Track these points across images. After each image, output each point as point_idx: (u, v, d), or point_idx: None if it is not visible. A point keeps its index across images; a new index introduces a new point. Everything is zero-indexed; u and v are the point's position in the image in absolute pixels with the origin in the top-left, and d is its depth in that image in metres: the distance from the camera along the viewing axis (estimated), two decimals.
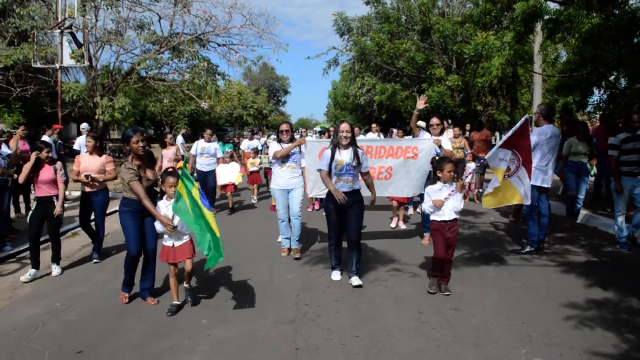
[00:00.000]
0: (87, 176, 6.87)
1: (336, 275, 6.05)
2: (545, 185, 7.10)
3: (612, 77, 9.42)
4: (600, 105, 9.74)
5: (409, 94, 22.07)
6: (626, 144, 7.34)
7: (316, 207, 10.90)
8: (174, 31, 20.56)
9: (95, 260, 7.05)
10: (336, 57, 24.11)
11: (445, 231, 5.40)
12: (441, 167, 5.43)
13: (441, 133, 7.68)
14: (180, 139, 15.15)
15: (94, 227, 7.38)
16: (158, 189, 5.47)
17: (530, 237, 7.19)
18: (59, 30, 13.51)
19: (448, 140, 7.77)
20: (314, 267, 6.55)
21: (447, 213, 5.40)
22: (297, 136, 15.76)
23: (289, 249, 7.17)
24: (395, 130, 17.61)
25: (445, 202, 5.37)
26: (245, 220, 10.26)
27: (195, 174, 10.99)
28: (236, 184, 11.39)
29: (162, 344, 4.30)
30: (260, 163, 13.23)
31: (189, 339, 4.38)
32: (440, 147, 7.32)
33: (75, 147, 12.40)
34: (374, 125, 16.21)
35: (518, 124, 6.16)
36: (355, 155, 5.80)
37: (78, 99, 18.04)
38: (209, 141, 11.11)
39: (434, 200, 5.38)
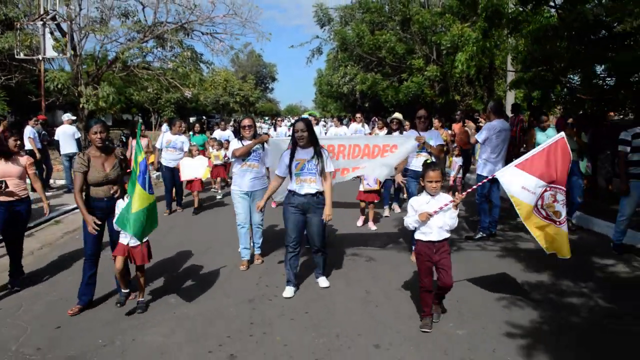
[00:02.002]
0: (1, 182, 5.59)
1: (289, 291, 5.44)
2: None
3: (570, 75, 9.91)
4: (559, 100, 10.26)
5: (389, 83, 22.60)
6: (637, 139, 6.60)
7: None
8: (158, 20, 20.79)
9: (16, 288, 5.72)
10: (320, 46, 24.54)
11: (431, 254, 4.49)
12: (423, 175, 4.56)
13: (429, 127, 7.05)
14: (165, 127, 14.77)
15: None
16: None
17: (482, 224, 7.75)
18: (41, 22, 13.72)
19: (438, 134, 7.21)
20: (278, 252, 6.89)
21: (436, 231, 4.45)
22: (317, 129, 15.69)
23: (249, 261, 6.49)
24: (376, 119, 18.11)
25: (434, 217, 4.43)
26: (213, 217, 9.94)
27: (157, 172, 10.64)
28: (203, 179, 10.43)
29: (132, 321, 4.79)
30: (225, 156, 12.08)
31: (157, 316, 4.89)
32: (424, 144, 6.62)
33: (56, 137, 12.60)
34: (358, 115, 15.54)
35: (550, 141, 4.81)
36: (318, 154, 5.41)
37: (63, 88, 18.30)
38: (177, 134, 10.20)
39: (420, 213, 4.43)
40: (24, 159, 6.04)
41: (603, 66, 8.39)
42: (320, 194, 5.45)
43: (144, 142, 10.70)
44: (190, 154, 10.26)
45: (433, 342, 4.24)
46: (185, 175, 10.08)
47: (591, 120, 9.43)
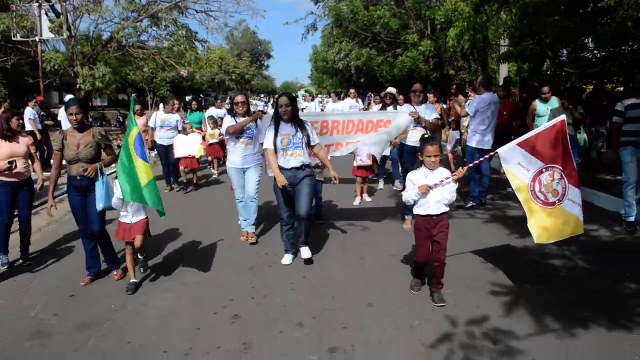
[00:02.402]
0: (10, 162, 5.66)
1: (287, 259, 5.74)
2: (486, 147, 7.89)
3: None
4: (549, 73, 10.48)
5: (384, 59, 22.74)
6: (632, 110, 6.66)
7: None
8: None
9: (28, 262, 6.04)
10: (315, 22, 24.57)
11: (430, 228, 4.50)
12: (421, 149, 4.55)
13: (424, 101, 7.05)
14: (162, 106, 14.24)
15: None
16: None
17: (472, 193, 8.06)
18: (37, 4, 13.84)
19: (433, 108, 7.24)
20: (277, 226, 7.02)
21: (434, 205, 4.46)
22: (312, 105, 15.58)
23: (248, 232, 6.65)
24: (372, 95, 18.32)
25: (433, 190, 4.43)
26: (209, 194, 10.05)
27: (154, 150, 10.71)
28: (197, 157, 10.47)
29: (141, 289, 5.10)
30: (220, 134, 11.66)
31: (164, 283, 5.21)
32: (418, 119, 6.63)
33: (59, 118, 12.86)
34: (352, 90, 15.21)
35: (549, 124, 4.88)
36: (301, 127, 5.56)
37: (59, 69, 18.42)
38: (170, 112, 10.28)
39: (420, 185, 4.41)
40: (26, 139, 6.18)
41: (590, 40, 8.59)
42: (306, 166, 5.59)
43: (142, 120, 10.78)
44: (184, 131, 10.33)
45: (422, 301, 4.57)
46: (178, 152, 10.10)
47: (585, 94, 9.60)
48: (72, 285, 5.22)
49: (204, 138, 11.35)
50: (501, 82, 13.60)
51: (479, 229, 6.89)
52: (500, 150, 4.82)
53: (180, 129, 10.27)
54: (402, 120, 6.73)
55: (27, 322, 4.41)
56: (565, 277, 5.12)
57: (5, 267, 5.83)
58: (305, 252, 5.71)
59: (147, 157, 4.88)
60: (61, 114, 12.82)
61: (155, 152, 10.90)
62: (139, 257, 5.40)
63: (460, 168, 4.65)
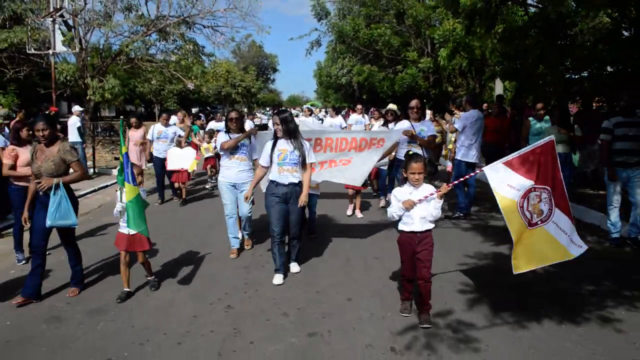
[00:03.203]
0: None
1: (278, 279, 5.61)
2: (471, 161, 8.40)
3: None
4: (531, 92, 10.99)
5: (385, 75, 23.38)
6: (618, 128, 6.74)
7: None
8: (161, 13, 21.54)
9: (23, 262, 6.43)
10: (319, 38, 25.30)
11: (414, 244, 4.46)
12: (406, 166, 4.51)
13: (422, 117, 7.21)
14: (174, 118, 13.74)
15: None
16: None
17: (459, 204, 8.56)
18: (51, 19, 14.51)
19: (430, 124, 7.40)
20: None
21: (418, 222, 4.42)
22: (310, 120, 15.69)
23: (239, 250, 6.67)
24: (373, 110, 18.88)
25: (418, 206, 4.40)
26: (201, 208, 10.03)
27: (149, 163, 10.70)
28: (190, 171, 10.49)
29: (145, 283, 5.63)
30: (215, 148, 10.93)
31: (163, 280, 5.72)
32: (413, 136, 6.80)
33: (70, 125, 13.49)
34: (359, 106, 15.23)
35: (538, 144, 4.72)
36: (299, 145, 5.61)
37: (70, 80, 19.09)
38: (167, 125, 10.40)
39: (404, 201, 4.40)
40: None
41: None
42: (301, 183, 5.68)
43: (139, 132, 10.58)
44: (179, 145, 10.36)
45: (396, 297, 5.06)
46: (172, 165, 10.08)
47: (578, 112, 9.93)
48: (89, 275, 5.75)
49: (197, 152, 11.30)
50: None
51: (460, 236, 7.40)
52: (486, 169, 4.70)
53: (175, 142, 10.32)
54: (395, 139, 6.92)
55: (42, 308, 4.94)
56: (530, 280, 5.60)
57: (22, 262, 6.37)
58: (294, 267, 5.92)
59: (129, 178, 4.88)
60: (70, 122, 13.45)
61: (151, 164, 10.91)
62: (148, 277, 5.48)
63: (445, 185, 4.58)
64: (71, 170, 5.27)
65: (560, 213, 4.65)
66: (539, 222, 4.63)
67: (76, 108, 14.08)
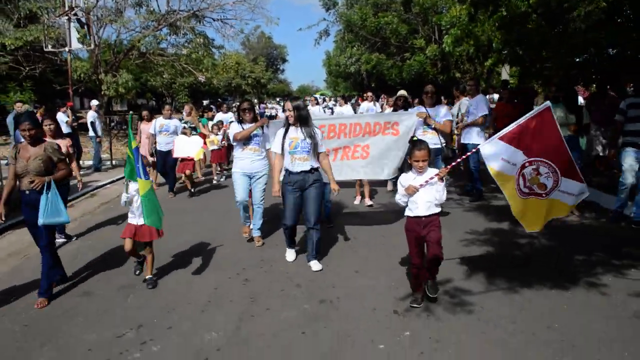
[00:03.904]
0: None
1: (290, 254, 5.93)
2: (474, 142, 8.59)
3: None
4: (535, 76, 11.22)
5: (393, 63, 23.65)
6: (631, 109, 6.75)
7: None
8: (171, 8, 21.96)
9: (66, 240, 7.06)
10: (327, 28, 25.62)
11: (419, 229, 4.47)
12: (410, 153, 4.52)
13: (437, 103, 7.19)
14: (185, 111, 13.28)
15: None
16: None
17: (477, 188, 8.81)
18: (66, 17, 14.99)
19: (446, 109, 7.30)
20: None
21: (422, 206, 4.42)
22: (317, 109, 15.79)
23: (250, 228, 6.80)
24: (386, 98, 19.23)
25: (421, 191, 4.40)
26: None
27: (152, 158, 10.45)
28: (196, 160, 10.46)
29: (168, 262, 6.08)
30: (223, 140, 11.90)
31: (185, 258, 6.17)
32: (426, 119, 6.76)
33: (89, 119, 13.99)
34: (369, 93, 15.24)
35: (533, 113, 4.63)
36: (310, 132, 5.52)
37: (85, 76, 19.62)
38: (169, 118, 10.30)
39: (407, 187, 4.42)
40: (65, 142, 6.69)
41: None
42: (315, 169, 5.59)
43: (150, 125, 10.37)
44: (185, 134, 10.35)
45: (400, 269, 5.46)
46: (178, 152, 10.03)
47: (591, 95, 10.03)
48: (108, 260, 6.21)
49: (205, 143, 11.29)
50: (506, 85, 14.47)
51: (462, 215, 7.78)
52: (482, 146, 4.72)
53: (179, 134, 10.26)
54: (410, 123, 6.77)
55: (75, 286, 5.41)
56: (527, 253, 5.99)
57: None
58: (314, 264, 5.66)
59: (140, 173, 4.96)
60: (90, 116, 13.95)
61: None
62: (146, 276, 5.40)
63: (443, 167, 4.67)
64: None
65: (567, 180, 4.61)
66: (544, 195, 4.68)
67: (94, 102, 14.57)
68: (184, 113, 12.57)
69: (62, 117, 13.21)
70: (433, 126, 6.92)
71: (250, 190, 6.64)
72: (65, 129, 12.87)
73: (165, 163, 10.21)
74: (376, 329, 4.17)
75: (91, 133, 13.99)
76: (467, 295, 4.75)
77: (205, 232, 7.40)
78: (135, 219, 5.28)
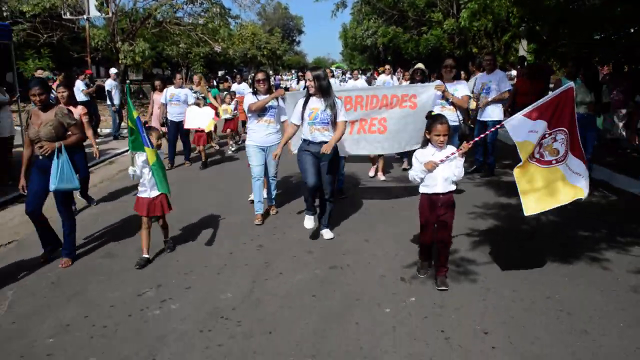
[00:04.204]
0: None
1: (309, 221, 5.69)
2: (494, 118, 8.56)
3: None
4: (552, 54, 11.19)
5: (409, 37, 23.57)
6: None
7: None
8: None
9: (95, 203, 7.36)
10: None
11: (437, 207, 4.38)
12: (430, 127, 4.36)
13: (456, 77, 6.99)
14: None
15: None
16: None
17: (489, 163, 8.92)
18: None
19: (465, 84, 7.08)
20: (295, 203, 7.35)
21: (441, 183, 4.32)
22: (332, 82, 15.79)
23: (263, 216, 6.55)
24: (402, 72, 19.18)
25: (439, 167, 4.28)
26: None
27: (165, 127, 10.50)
28: (207, 131, 10.41)
29: (185, 228, 6.32)
30: (236, 109, 11.98)
31: (201, 225, 6.42)
32: (444, 92, 6.57)
33: (107, 88, 14.21)
34: (387, 66, 14.81)
35: (558, 92, 4.56)
36: (331, 103, 5.46)
37: (102, 44, 19.78)
38: (180, 87, 10.25)
39: (426, 162, 4.27)
40: (79, 109, 6.82)
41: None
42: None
43: (161, 96, 10.31)
44: (197, 105, 10.34)
45: (407, 239, 5.66)
46: (189, 124, 10.09)
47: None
48: (128, 224, 6.47)
49: (217, 114, 11.17)
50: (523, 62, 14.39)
51: (473, 190, 7.91)
52: (507, 123, 4.62)
53: (190, 103, 10.26)
54: (427, 95, 6.63)
55: (98, 248, 5.69)
56: (533, 227, 6.14)
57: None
58: (327, 233, 5.79)
59: (147, 142, 4.91)
60: (107, 84, 14.17)
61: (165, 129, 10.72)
62: (163, 239, 5.54)
63: (465, 142, 4.46)
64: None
65: (573, 157, 4.55)
66: (554, 162, 4.53)
67: (112, 70, 14.78)
68: (193, 83, 12.61)
69: (80, 85, 13.46)
70: (451, 101, 6.75)
71: (265, 164, 6.53)
72: (81, 98, 13.16)
73: (177, 133, 10.28)
74: (383, 294, 4.39)
75: (109, 101, 14.24)
76: (471, 265, 4.95)
77: (220, 200, 7.65)
78: (147, 191, 5.18)
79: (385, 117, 6.70)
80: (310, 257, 5.25)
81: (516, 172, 4.54)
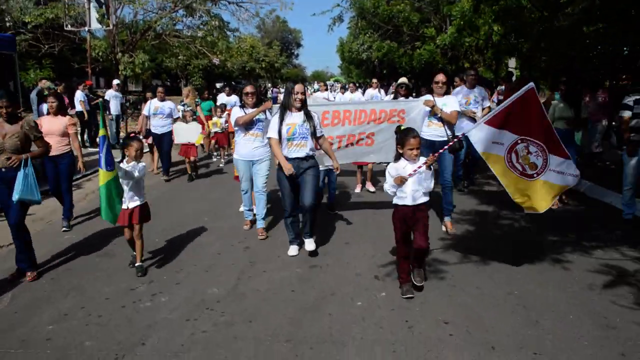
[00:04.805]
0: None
1: (293, 250, 5.76)
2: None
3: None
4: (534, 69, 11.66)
5: (404, 51, 24.02)
6: (638, 105, 6.73)
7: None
8: None
9: (64, 229, 6.83)
10: (341, 14, 25.93)
11: (407, 218, 4.50)
12: (402, 142, 4.45)
13: (447, 93, 6.73)
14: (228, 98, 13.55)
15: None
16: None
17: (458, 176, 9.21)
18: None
19: (455, 100, 6.79)
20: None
21: (410, 196, 4.44)
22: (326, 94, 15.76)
23: (252, 222, 6.68)
24: (394, 83, 19.58)
25: (410, 181, 4.40)
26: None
27: (148, 139, 10.42)
28: (196, 145, 10.38)
29: (176, 231, 6.69)
30: (226, 122, 11.80)
31: (196, 229, 6.78)
32: (433, 107, 6.31)
33: (106, 97, 14.65)
34: (374, 80, 14.77)
35: (519, 93, 4.65)
36: (308, 117, 5.45)
37: (102, 56, 20.25)
38: (163, 100, 10.07)
39: (395, 177, 4.40)
40: (66, 119, 6.87)
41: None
42: (310, 157, 5.52)
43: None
44: (184, 119, 10.28)
45: (386, 242, 5.98)
46: (179, 139, 10.08)
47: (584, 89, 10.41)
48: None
49: (203, 127, 11.21)
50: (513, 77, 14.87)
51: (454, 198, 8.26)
52: (470, 132, 4.77)
53: (175, 117, 10.15)
54: (417, 111, 6.57)
55: (95, 248, 6.06)
56: (505, 232, 6.53)
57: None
58: (309, 244, 5.66)
59: (102, 162, 4.89)
60: (109, 95, 14.63)
61: (150, 140, 10.61)
62: (136, 263, 5.32)
63: (431, 155, 4.55)
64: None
65: (554, 157, 4.68)
66: (535, 175, 4.74)
67: (115, 82, 15.31)
68: (183, 96, 12.49)
69: (79, 95, 13.88)
70: (439, 116, 6.41)
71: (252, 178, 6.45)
72: (79, 108, 13.57)
73: (160, 146, 10.18)
74: (357, 289, 4.77)
75: (113, 111, 14.69)
76: (441, 265, 5.33)
77: (211, 207, 8.02)
78: (126, 203, 5.18)
79: (374, 131, 6.71)
80: (293, 258, 5.64)
81: (502, 181, 4.84)
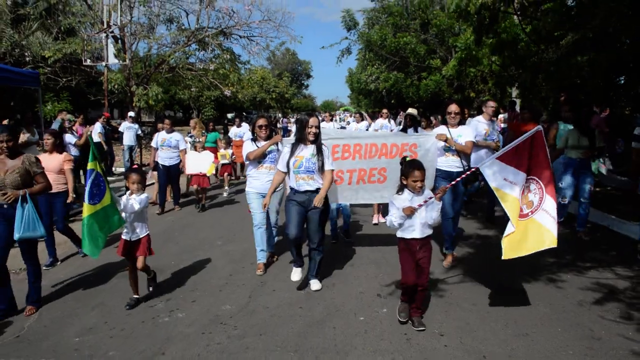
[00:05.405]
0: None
1: (296, 274, 5.92)
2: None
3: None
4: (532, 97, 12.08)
5: (411, 82, 24.61)
6: None
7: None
8: (201, 25, 23.27)
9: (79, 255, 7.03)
10: (349, 46, 26.68)
11: (415, 251, 4.50)
12: (406, 173, 4.48)
13: (460, 123, 6.41)
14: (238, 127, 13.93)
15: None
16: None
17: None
18: (104, 35, 16.32)
19: (469, 130, 6.49)
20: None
21: (418, 228, 4.44)
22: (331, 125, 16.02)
23: (265, 265, 6.36)
24: (402, 112, 20.06)
25: (417, 213, 4.42)
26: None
27: (152, 171, 10.46)
28: (208, 175, 10.30)
29: (182, 252, 7.07)
30: (233, 154, 12.15)
31: (208, 251, 7.16)
32: (446, 140, 6.11)
33: (120, 129, 15.25)
34: (384, 110, 14.55)
35: (527, 135, 4.74)
36: (318, 151, 5.42)
37: (118, 88, 20.98)
38: (170, 132, 10.02)
39: (405, 208, 4.39)
40: (62, 157, 6.78)
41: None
42: (319, 190, 5.45)
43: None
44: (195, 150, 10.42)
45: (390, 264, 6.35)
46: (189, 169, 10.11)
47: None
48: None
49: (216, 157, 11.32)
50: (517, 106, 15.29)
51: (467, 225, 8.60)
52: (482, 166, 4.78)
53: (182, 148, 10.12)
54: (428, 145, 6.43)
55: (114, 269, 6.45)
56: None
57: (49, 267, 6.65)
58: (315, 284, 5.65)
59: (86, 196, 4.89)
60: (123, 126, 15.23)
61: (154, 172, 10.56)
62: (148, 278, 5.57)
63: (442, 186, 4.67)
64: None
65: (549, 198, 4.67)
66: (529, 214, 4.70)
67: (130, 114, 15.93)
68: (190, 128, 12.65)
69: (98, 127, 14.48)
70: (454, 148, 6.21)
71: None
72: (97, 138, 14.12)
73: (168, 177, 10.11)
74: (360, 306, 5.11)
75: (126, 142, 15.25)
76: (441, 284, 5.66)
77: (224, 233, 8.40)
78: (129, 234, 5.22)
79: (385, 167, 6.53)
80: (300, 278, 5.98)
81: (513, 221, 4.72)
